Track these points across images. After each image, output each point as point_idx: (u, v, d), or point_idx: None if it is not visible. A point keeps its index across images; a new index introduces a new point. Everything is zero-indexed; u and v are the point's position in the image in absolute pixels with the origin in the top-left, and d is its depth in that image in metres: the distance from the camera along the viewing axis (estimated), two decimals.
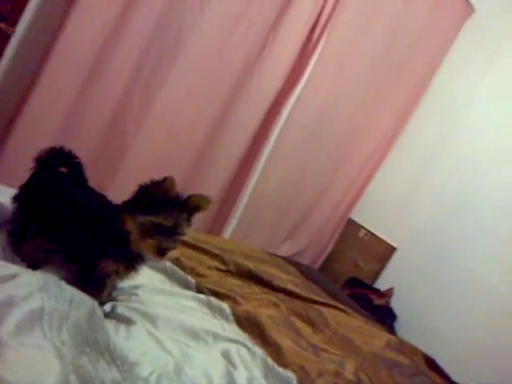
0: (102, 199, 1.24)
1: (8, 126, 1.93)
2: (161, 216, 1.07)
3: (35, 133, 1.96)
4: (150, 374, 1.00)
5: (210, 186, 2.66)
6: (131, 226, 1.09)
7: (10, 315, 0.91)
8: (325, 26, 2.61)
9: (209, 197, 1.14)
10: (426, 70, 3.08)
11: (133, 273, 1.18)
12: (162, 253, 1.08)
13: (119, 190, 2.21)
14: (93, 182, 2.00)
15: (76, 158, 1.25)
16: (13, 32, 1.76)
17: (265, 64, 2.53)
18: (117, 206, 1.17)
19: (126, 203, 1.13)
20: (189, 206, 1.12)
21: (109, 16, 1.98)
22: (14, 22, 1.75)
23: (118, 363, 0.97)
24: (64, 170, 1.26)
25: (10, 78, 1.93)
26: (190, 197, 1.12)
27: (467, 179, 2.83)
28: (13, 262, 1.12)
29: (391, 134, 3.22)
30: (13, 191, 1.41)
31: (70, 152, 1.24)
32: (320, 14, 2.58)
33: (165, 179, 1.07)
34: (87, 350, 0.97)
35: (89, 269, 1.14)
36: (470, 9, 2.97)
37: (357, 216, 3.39)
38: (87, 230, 1.15)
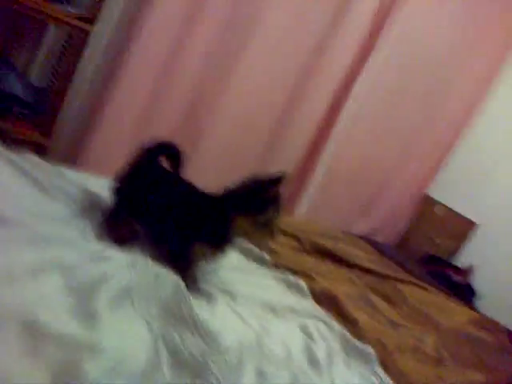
0: (191, 186, 1.29)
1: (91, 118, 2.06)
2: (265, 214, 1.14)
3: (116, 123, 2.07)
4: (233, 344, 1.04)
5: (284, 164, 2.67)
6: (245, 225, 1.16)
7: (102, 290, 0.99)
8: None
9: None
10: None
11: (221, 255, 1.23)
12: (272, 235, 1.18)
13: (195, 176, 2.31)
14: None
15: (177, 148, 1.29)
16: (93, 30, 1.87)
17: (335, 46, 2.49)
18: (212, 196, 1.23)
19: (228, 197, 1.18)
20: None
21: (182, 9, 2.04)
22: (94, 21, 1.85)
23: (203, 334, 1.02)
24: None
25: (92, 73, 2.06)
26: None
27: None
28: (103, 242, 1.21)
29: (469, 109, 3.05)
30: (98, 179, 1.53)
31: (171, 143, 1.29)
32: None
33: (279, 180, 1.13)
34: (174, 323, 1.04)
35: (180, 252, 1.21)
36: None
37: (434, 192, 3.26)
38: (182, 216, 1.22)
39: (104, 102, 2.04)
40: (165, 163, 1.32)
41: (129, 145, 2.07)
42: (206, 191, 1.27)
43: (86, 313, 0.92)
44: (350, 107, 2.71)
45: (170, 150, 1.29)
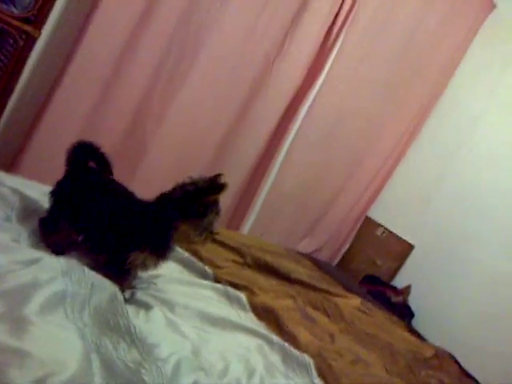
0: (128, 193, 1.27)
1: (33, 124, 1.99)
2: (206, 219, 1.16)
3: (59, 130, 2.02)
4: (169, 355, 1.02)
5: (229, 183, 2.68)
6: (190, 231, 1.17)
7: (34, 296, 0.95)
8: (343, 24, 2.63)
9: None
10: (445, 67, 3.07)
11: (161, 263, 1.22)
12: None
13: (140, 187, 2.28)
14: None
15: (101, 151, 1.28)
16: (39, 34, 1.83)
17: (284, 61, 2.55)
18: (143, 200, 1.23)
19: (164, 202, 1.18)
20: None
21: (130, 16, 2.03)
22: (40, 25, 1.81)
23: (138, 345, 1.00)
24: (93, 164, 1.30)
25: (36, 77, 2.00)
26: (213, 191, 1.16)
27: (484, 178, 2.81)
28: (38, 248, 1.16)
29: (410, 132, 3.21)
30: (39, 186, 1.47)
31: (95, 146, 1.28)
32: (338, 12, 2.59)
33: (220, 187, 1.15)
34: (108, 332, 1.01)
35: (118, 260, 1.17)
36: (490, 5, 2.95)
37: (374, 214, 3.38)
38: (119, 223, 1.19)
39: (47, 107, 1.98)
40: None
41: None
42: (141, 198, 1.26)
43: (15, 319, 0.88)
44: (296, 126, 2.78)
45: (95, 154, 1.27)
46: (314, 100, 2.76)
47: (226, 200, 2.71)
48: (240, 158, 2.68)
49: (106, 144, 2.16)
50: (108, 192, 1.26)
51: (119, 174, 2.24)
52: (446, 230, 2.94)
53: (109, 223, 1.20)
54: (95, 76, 2.06)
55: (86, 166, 1.28)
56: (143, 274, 1.31)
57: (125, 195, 1.26)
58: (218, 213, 1.18)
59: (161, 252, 1.19)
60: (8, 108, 1.96)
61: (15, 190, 1.31)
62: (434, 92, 3.12)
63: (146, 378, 0.90)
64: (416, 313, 2.81)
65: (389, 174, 3.35)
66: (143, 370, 0.91)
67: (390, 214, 3.32)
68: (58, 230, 1.23)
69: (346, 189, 3.20)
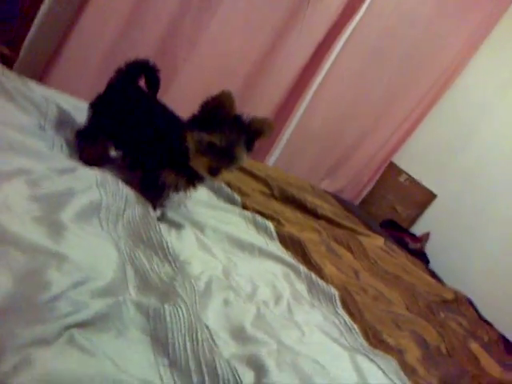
0: (171, 114, 1.23)
1: (60, 44, 1.93)
2: (217, 135, 1.05)
3: (87, 52, 1.95)
4: (201, 273, 1.03)
5: (257, 115, 2.63)
6: (190, 142, 1.08)
7: (70, 204, 0.94)
8: None
9: (272, 122, 1.11)
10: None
11: (192, 189, 1.19)
12: (213, 172, 1.07)
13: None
14: None
15: (156, 68, 1.24)
16: None
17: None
18: (183, 121, 1.17)
19: (190, 119, 1.12)
20: (250, 130, 1.09)
21: None
22: None
23: (171, 259, 1.00)
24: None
25: None
26: (253, 120, 1.09)
27: None
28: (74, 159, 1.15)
29: (443, 80, 3.07)
30: (71, 99, 1.44)
31: (151, 63, 1.23)
32: None
33: (220, 93, 1.07)
34: (142, 246, 1.01)
35: (151, 177, 1.16)
36: None
37: (399, 160, 3.31)
38: (154, 142, 1.16)
39: (74, 27, 1.91)
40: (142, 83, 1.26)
41: (98, 70, 1.98)
42: (180, 116, 1.22)
43: (53, 223, 0.87)
44: (326, 68, 2.67)
45: (148, 70, 1.23)
46: (349, 37, 2.63)
47: None
48: (269, 91, 2.60)
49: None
50: (149, 110, 1.22)
51: None
52: (471, 182, 2.88)
53: (147, 141, 1.17)
54: None
55: (132, 82, 1.24)
56: (174, 196, 1.30)
57: (165, 115, 1.22)
58: (244, 139, 1.08)
59: (186, 172, 1.15)
60: (36, 22, 1.89)
61: (48, 100, 1.28)
62: (473, 46, 2.96)
63: (180, 292, 0.90)
64: (431, 261, 2.82)
65: (418, 122, 3.25)
66: (177, 284, 0.92)
67: (414, 161, 3.25)
68: (95, 143, 1.21)
69: (372, 132, 3.12)
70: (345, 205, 2.17)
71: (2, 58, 1.66)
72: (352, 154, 3.14)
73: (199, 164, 1.08)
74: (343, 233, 1.73)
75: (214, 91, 2.50)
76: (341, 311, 1.23)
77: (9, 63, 1.70)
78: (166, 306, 0.84)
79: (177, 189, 1.19)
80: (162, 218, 1.20)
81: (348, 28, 2.59)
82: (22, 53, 1.85)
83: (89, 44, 1.94)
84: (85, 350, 0.69)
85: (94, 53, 1.96)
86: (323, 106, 2.80)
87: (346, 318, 1.21)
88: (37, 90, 1.33)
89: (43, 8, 1.87)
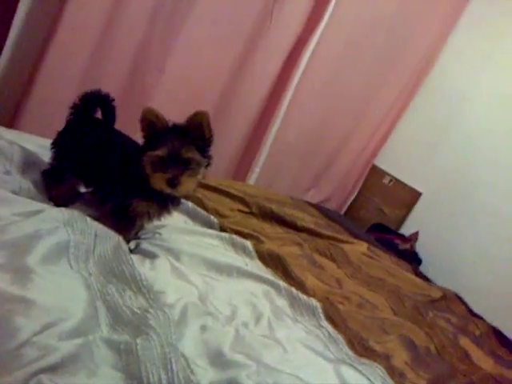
0: (131, 142, 1.25)
1: (29, 79, 1.94)
2: (160, 148, 1.07)
3: (57, 80, 1.97)
4: (176, 301, 1.03)
5: (232, 136, 2.65)
6: (146, 165, 1.10)
7: (37, 247, 0.95)
8: None
9: (202, 111, 1.14)
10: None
11: (165, 214, 1.21)
12: (172, 183, 1.08)
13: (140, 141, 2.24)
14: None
15: (110, 98, 1.26)
16: None
17: (283, 9, 2.45)
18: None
19: (142, 144, 1.15)
20: (190, 129, 1.13)
21: None
22: None
23: (145, 291, 1.00)
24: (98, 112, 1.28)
25: (30, 25, 1.93)
26: (187, 119, 1.13)
27: (492, 122, 2.75)
28: (38, 201, 1.15)
29: (415, 78, 3.11)
30: (36, 139, 1.45)
31: (104, 93, 1.25)
32: None
33: (145, 111, 1.10)
34: (114, 281, 1.01)
35: (122, 208, 1.16)
36: None
37: (381, 162, 3.34)
38: (119, 173, 1.18)
39: (41, 62, 1.93)
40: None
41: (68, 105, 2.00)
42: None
43: (19, 268, 0.88)
44: (297, 78, 2.70)
45: (102, 101, 1.25)
46: (316, 47, 2.66)
47: (230, 151, 2.69)
48: (242, 108, 2.62)
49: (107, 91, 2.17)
50: (109, 142, 1.24)
51: (123, 127, 2.22)
52: (454, 177, 2.90)
53: (112, 173, 1.18)
54: (91, 24, 2.00)
55: (90, 116, 1.26)
56: (148, 225, 1.30)
57: (126, 144, 1.24)
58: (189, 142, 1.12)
59: (163, 202, 1.17)
60: (2, 62, 1.90)
61: (13, 143, 1.29)
62: (440, 40, 3.01)
63: (152, 323, 0.90)
64: (423, 259, 2.82)
65: (394, 122, 3.28)
66: (150, 316, 0.92)
67: (396, 162, 3.28)
68: (62, 182, 1.21)
69: (351, 138, 3.15)
70: (327, 214, 2.18)
71: None
72: (334, 162, 3.16)
73: (157, 182, 1.09)
74: (325, 243, 1.73)
75: (186, 114, 2.54)
76: (324, 323, 1.23)
77: None
78: (137, 341, 0.84)
79: (150, 217, 1.20)
80: (136, 250, 1.21)
81: (314, 36, 2.63)
82: None
83: (55, 83, 1.95)
84: None
85: (63, 87, 1.98)
86: (299, 116, 2.83)
87: (330, 329, 1.21)
88: (2, 134, 1.33)
89: (8, 46, 1.89)
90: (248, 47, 2.49)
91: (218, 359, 0.94)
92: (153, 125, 1.10)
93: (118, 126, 2.20)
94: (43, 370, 0.70)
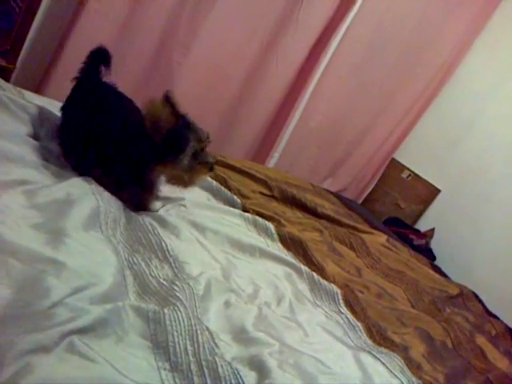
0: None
1: (55, 55, 1.94)
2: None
3: (82, 55, 1.96)
4: (200, 274, 1.03)
5: (254, 119, 2.63)
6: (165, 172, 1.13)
7: (70, 211, 0.95)
8: None
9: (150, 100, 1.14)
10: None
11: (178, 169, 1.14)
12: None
13: None
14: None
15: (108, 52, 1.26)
16: None
17: None
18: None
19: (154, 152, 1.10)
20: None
21: None
22: None
23: (171, 261, 1.00)
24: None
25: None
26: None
27: None
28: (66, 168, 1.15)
29: (441, 74, 3.06)
30: None
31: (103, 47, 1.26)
32: None
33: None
34: (141, 250, 1.01)
35: (138, 180, 1.15)
36: None
37: (401, 156, 3.30)
38: (128, 144, 1.13)
39: (70, 32, 1.92)
40: None
41: None
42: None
43: (54, 230, 0.88)
44: (323, 66, 2.67)
45: (103, 56, 1.26)
46: (345, 33, 2.62)
47: (252, 134, 2.68)
48: (267, 91, 2.60)
49: (132, 72, 2.16)
50: (119, 106, 1.23)
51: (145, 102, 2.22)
52: (474, 175, 2.86)
53: (121, 146, 1.13)
54: (117, 4, 1.99)
55: (95, 78, 1.25)
56: (172, 194, 1.29)
57: (132, 110, 1.24)
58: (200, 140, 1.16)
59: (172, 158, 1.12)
60: (29, 36, 1.90)
61: (43, 109, 1.29)
62: (467, 38, 2.95)
63: (179, 295, 0.90)
64: (438, 257, 2.80)
65: (418, 116, 3.23)
66: (176, 288, 0.92)
67: (416, 157, 3.24)
68: (74, 151, 1.19)
69: (372, 129, 3.11)
70: (347, 203, 2.16)
71: (0, 70, 1.67)
72: (353, 152, 3.13)
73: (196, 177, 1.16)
74: (345, 231, 1.72)
75: (211, 94, 2.51)
76: (344, 309, 1.22)
77: (6, 74, 1.70)
78: (165, 311, 0.84)
79: (170, 180, 1.16)
80: (161, 221, 1.20)
81: (343, 25, 2.59)
82: (18, 64, 1.87)
83: (84, 52, 1.94)
84: (85, 356, 0.69)
85: None
86: (322, 104, 2.80)
87: (349, 316, 1.21)
88: (33, 100, 1.33)
89: (38, 19, 1.89)
90: (276, 31, 2.46)
91: (240, 335, 0.93)
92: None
93: (142, 98, 2.21)
94: (74, 332, 0.71)
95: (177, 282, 0.94)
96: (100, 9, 1.96)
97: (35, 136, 1.19)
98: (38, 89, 1.90)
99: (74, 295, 0.77)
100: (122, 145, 1.12)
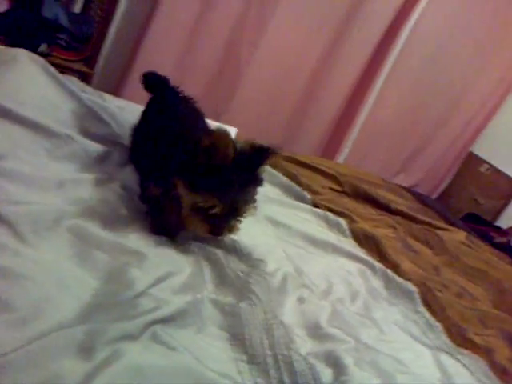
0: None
1: (129, 62, 2.04)
2: (213, 200, 0.87)
3: (155, 57, 2.04)
4: (275, 270, 1.03)
5: (322, 115, 2.62)
6: (183, 193, 0.90)
7: None
8: None
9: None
10: None
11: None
12: (217, 233, 0.94)
13: (233, 116, 2.29)
14: (208, 107, 2.08)
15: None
16: None
17: None
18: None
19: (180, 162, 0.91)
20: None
21: None
22: None
23: (245, 258, 1.02)
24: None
25: (132, 7, 2.03)
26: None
27: None
28: None
29: None
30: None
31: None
32: None
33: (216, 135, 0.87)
34: (216, 245, 1.03)
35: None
36: None
37: (479, 149, 3.13)
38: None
39: (144, 38, 2.01)
40: None
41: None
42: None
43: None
44: (393, 58, 2.59)
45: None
46: (415, 23, 2.53)
47: (320, 130, 2.66)
48: (335, 86, 2.57)
49: (202, 72, 2.22)
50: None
51: (215, 102, 2.27)
52: None
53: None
54: (187, 7, 2.05)
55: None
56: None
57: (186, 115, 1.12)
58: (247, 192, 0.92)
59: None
60: (107, 42, 2.01)
61: (122, 108, 1.35)
62: None
63: (255, 289, 0.91)
64: None
65: (495, 109, 3.06)
66: (252, 281, 0.93)
67: (496, 150, 3.06)
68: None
69: (447, 122, 2.98)
70: (421, 199, 2.09)
71: (81, 75, 1.77)
72: (427, 146, 3.02)
73: (195, 226, 0.93)
74: (420, 228, 1.66)
75: (279, 91, 2.53)
76: (421, 309, 1.18)
77: (87, 79, 1.81)
78: (241, 305, 0.85)
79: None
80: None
81: (414, 15, 2.51)
82: (97, 69, 1.98)
83: (157, 55, 2.03)
84: (167, 345, 0.71)
85: (163, 63, 2.05)
86: (393, 96, 2.72)
87: (427, 315, 1.16)
88: (112, 102, 1.40)
89: (113, 27, 1.99)
90: (343, 24, 2.43)
91: (315, 331, 0.93)
92: (214, 153, 0.86)
93: (212, 97, 2.26)
94: (157, 321, 0.73)
95: (252, 275, 0.95)
96: (170, 12, 2.03)
97: (117, 136, 1.25)
98: (115, 92, 2.00)
99: (156, 286, 0.80)
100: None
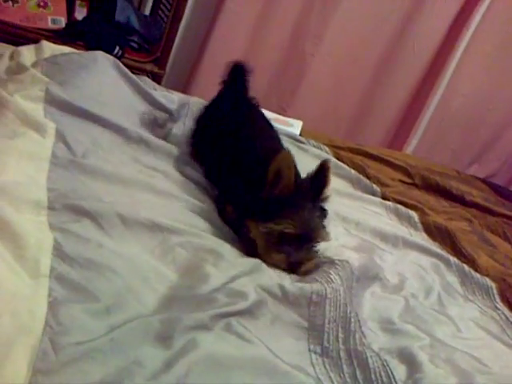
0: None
1: (198, 57, 2.10)
2: (285, 221, 0.88)
3: (222, 54, 2.08)
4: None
5: (390, 105, 2.55)
6: (256, 234, 0.92)
7: None
8: None
9: (326, 161, 0.95)
10: None
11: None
12: (294, 267, 0.90)
13: (299, 109, 2.29)
14: (273, 101, 2.11)
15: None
16: None
17: None
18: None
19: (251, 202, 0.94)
20: (316, 186, 0.93)
21: None
22: None
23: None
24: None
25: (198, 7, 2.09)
26: (312, 176, 0.92)
27: None
28: None
29: None
30: None
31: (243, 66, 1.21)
32: None
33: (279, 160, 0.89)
34: None
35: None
36: None
37: None
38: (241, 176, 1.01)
39: (210, 35, 2.07)
40: None
41: None
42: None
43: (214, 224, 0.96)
44: (469, 34, 2.47)
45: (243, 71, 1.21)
46: (490, 4, 2.39)
47: (387, 121, 2.59)
48: (402, 75, 2.49)
49: (267, 65, 2.24)
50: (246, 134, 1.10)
51: (279, 95, 2.29)
52: None
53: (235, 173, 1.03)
54: (251, 4, 2.08)
55: (239, 93, 1.20)
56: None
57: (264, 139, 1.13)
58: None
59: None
60: (177, 42, 2.07)
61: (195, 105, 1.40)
62: None
63: (340, 274, 0.90)
64: None
65: None
66: (333, 271, 0.90)
67: None
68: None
69: None
70: (498, 190, 1.97)
71: (152, 75, 1.85)
72: (502, 135, 2.85)
73: (273, 262, 0.90)
74: (497, 221, 1.58)
75: (345, 82, 2.50)
76: (500, 305, 1.12)
77: (157, 80, 1.88)
78: (327, 294, 0.83)
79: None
80: None
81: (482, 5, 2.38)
82: (167, 69, 2.05)
83: (223, 52, 2.07)
84: (241, 337, 0.72)
85: (229, 59, 2.09)
86: (465, 83, 2.60)
87: (507, 312, 1.11)
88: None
89: (182, 29, 2.06)
90: (411, 10, 2.35)
91: (387, 326, 0.92)
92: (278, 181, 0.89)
93: (278, 91, 2.28)
94: (232, 314, 0.75)
95: (337, 261, 0.94)
96: (235, 8, 2.07)
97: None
98: (184, 90, 2.07)
99: (231, 283, 0.81)
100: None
